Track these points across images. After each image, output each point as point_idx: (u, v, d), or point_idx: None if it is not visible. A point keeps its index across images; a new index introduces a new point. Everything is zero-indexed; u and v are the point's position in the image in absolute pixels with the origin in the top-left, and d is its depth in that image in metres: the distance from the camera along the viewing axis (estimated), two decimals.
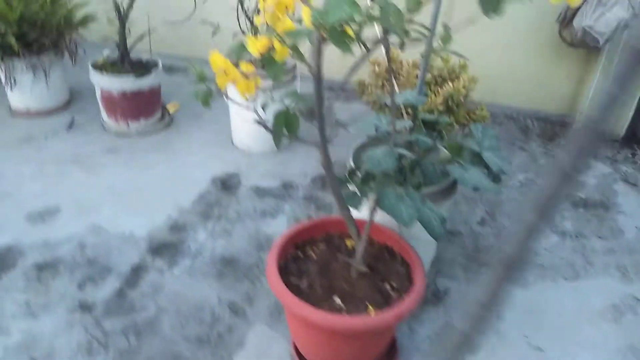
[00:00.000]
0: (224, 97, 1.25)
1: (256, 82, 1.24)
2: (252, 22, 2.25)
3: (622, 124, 2.67)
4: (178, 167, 2.31)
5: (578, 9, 2.33)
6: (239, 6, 2.21)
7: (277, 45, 0.91)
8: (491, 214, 2.11)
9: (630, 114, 2.63)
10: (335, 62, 1.67)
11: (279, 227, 1.95)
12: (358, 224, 1.32)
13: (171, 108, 1.20)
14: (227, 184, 2.20)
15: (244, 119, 2.31)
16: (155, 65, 2.49)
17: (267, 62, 0.92)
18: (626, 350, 1.55)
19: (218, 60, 1.22)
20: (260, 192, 2.17)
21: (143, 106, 2.47)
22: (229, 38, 1.92)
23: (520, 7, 2.63)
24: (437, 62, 2.15)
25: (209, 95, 1.16)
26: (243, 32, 2.27)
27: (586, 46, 2.40)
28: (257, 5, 2.20)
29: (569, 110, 2.87)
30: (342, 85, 1.13)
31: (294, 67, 2.29)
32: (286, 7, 0.95)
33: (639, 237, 2.03)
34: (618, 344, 1.56)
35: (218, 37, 2.23)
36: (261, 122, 1.24)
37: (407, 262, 1.38)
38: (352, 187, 1.31)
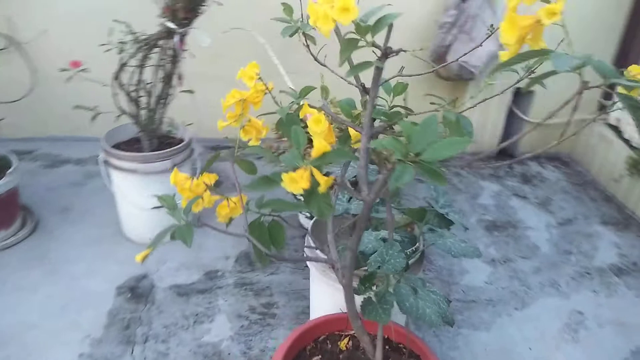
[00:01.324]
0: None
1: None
2: (135, 101, 1.92)
3: (494, 140, 2.91)
4: (67, 283, 1.86)
5: (449, 46, 2.46)
6: (116, 80, 1.88)
7: (318, 176, 0.72)
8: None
9: (501, 131, 2.88)
10: None
11: (223, 331, 1.67)
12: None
13: (140, 257, 0.92)
14: (138, 292, 1.84)
15: (137, 206, 1.97)
16: (8, 164, 1.99)
17: (308, 197, 0.72)
18: None
19: (177, 177, 0.97)
20: (183, 291, 1.85)
21: None
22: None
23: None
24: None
25: (190, 232, 0.90)
26: (124, 113, 1.93)
27: (461, 78, 2.56)
28: (140, 78, 1.89)
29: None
30: None
31: (189, 143, 2.02)
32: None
33: (552, 249, 2.19)
34: None
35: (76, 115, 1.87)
36: (247, 237, 1.02)
37: (416, 354, 1.26)
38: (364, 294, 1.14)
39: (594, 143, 2.79)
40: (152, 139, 2.02)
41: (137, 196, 1.96)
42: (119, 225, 2.14)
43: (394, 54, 0.72)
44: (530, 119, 2.85)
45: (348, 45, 0.68)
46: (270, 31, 2.52)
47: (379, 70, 0.74)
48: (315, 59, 0.93)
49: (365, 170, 0.75)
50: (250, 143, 1.04)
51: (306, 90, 1.13)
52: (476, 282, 1.98)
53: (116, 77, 1.88)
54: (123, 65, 1.86)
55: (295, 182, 0.71)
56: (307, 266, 1.66)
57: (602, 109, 2.76)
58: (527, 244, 2.22)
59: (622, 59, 2.73)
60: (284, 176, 0.72)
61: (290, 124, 1.01)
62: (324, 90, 0.90)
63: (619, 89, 0.66)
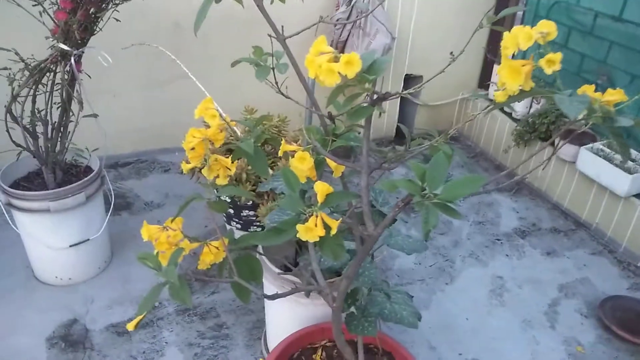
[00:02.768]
0: None
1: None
2: (32, 133, 1.73)
3: (392, 125, 3.08)
4: None
5: (346, 41, 2.54)
6: (8, 115, 1.67)
7: (328, 220, 0.72)
8: None
9: (397, 115, 3.05)
10: None
11: None
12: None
13: (132, 324, 0.83)
14: (72, 339, 1.69)
15: (52, 247, 1.80)
16: None
17: (321, 242, 0.73)
18: (525, 325, 1.84)
19: (151, 230, 0.93)
20: (121, 329, 1.74)
21: None
22: None
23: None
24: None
25: (186, 291, 0.86)
26: (22, 148, 1.73)
27: None
28: (35, 108, 1.70)
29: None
30: None
31: (100, 171, 1.87)
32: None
33: (463, 221, 2.40)
34: (517, 323, 1.85)
35: None
36: (231, 281, 0.99)
37: (387, 351, 1.32)
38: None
39: (479, 118, 3.07)
40: (55, 172, 1.84)
41: (50, 237, 1.78)
42: (30, 268, 1.94)
43: (393, 97, 0.74)
44: (420, 102, 3.05)
45: (336, 92, 0.69)
46: (175, 45, 2.41)
47: (370, 115, 0.75)
48: (280, 92, 0.92)
49: (369, 207, 0.78)
50: (218, 181, 1.00)
51: (262, 120, 1.12)
52: (406, 264, 2.11)
53: (9, 110, 1.68)
54: (15, 97, 1.66)
55: (310, 231, 0.71)
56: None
57: (484, 87, 3.05)
58: (441, 220, 2.40)
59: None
60: (300, 228, 0.71)
61: (259, 158, 1.00)
62: (310, 131, 0.90)
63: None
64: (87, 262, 1.91)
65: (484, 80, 3.11)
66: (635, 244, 2.16)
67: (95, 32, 1.73)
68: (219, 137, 0.99)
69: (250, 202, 1.92)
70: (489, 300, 1.94)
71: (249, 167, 1.86)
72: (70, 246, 1.81)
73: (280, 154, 0.94)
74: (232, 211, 2.03)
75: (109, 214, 1.91)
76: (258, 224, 2.05)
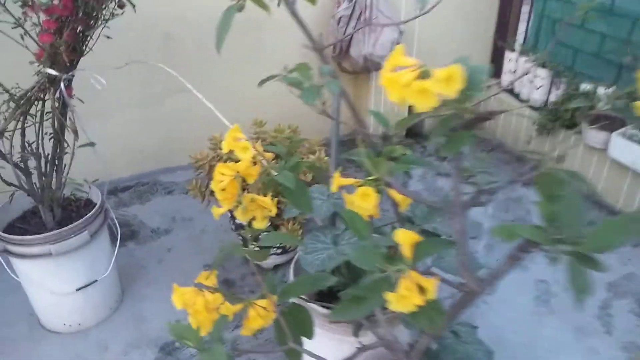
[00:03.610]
0: None
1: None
2: (23, 170, 1.56)
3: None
4: None
5: (350, 40, 2.38)
6: None
7: (423, 281, 0.57)
8: None
9: (406, 110, 2.89)
10: None
11: None
12: None
13: None
14: None
15: (57, 292, 1.63)
16: None
17: (419, 312, 0.57)
18: (579, 333, 1.70)
19: (185, 296, 0.77)
20: None
21: None
22: None
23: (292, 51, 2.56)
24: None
25: None
26: (15, 187, 1.56)
27: (368, 70, 2.49)
28: (25, 142, 1.53)
29: (353, 127, 2.98)
30: None
31: (102, 204, 1.70)
32: None
33: (493, 222, 2.25)
34: (571, 332, 1.70)
35: None
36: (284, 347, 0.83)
37: None
38: None
39: (493, 108, 2.92)
40: (53, 209, 1.67)
41: (54, 282, 1.62)
42: (35, 316, 1.77)
43: (497, 114, 0.59)
44: None
45: (447, 121, 0.53)
46: (167, 56, 2.24)
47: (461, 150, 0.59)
48: (326, 114, 0.76)
49: (467, 257, 0.62)
50: (257, 225, 0.84)
51: (297, 144, 0.96)
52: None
53: None
54: (2, 133, 1.49)
55: (405, 300, 0.55)
56: None
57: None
58: (469, 223, 2.25)
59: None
60: (391, 296, 0.55)
61: (302, 193, 0.84)
62: (363, 154, 0.74)
63: None
64: (97, 304, 1.75)
65: (496, 69, 2.95)
66: None
67: (85, 52, 1.56)
68: (252, 171, 0.83)
69: (269, 223, 1.75)
70: (536, 308, 1.80)
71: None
72: (78, 290, 1.65)
73: (333, 189, 0.77)
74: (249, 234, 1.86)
75: (116, 249, 1.74)
76: (277, 246, 1.90)
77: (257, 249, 0.94)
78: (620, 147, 2.15)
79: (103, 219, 1.69)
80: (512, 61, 2.73)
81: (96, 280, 1.67)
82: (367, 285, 0.59)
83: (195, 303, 0.74)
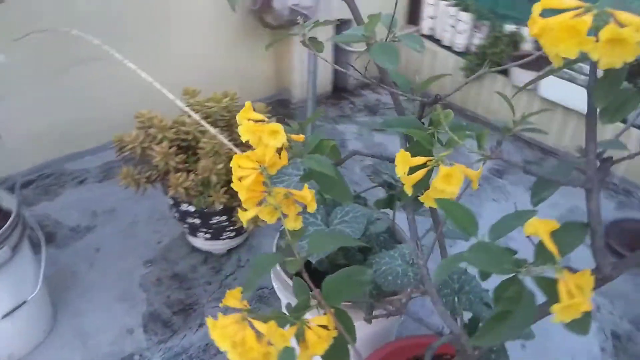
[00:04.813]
0: None
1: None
2: None
3: (328, 78, 2.79)
4: None
5: None
6: None
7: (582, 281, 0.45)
8: None
9: (331, 70, 2.76)
10: None
11: None
12: None
13: None
14: None
15: None
16: None
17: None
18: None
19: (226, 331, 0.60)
20: None
21: None
22: None
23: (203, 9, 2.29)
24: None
25: None
26: None
27: (294, 24, 2.30)
28: None
29: (279, 86, 2.80)
30: None
31: (19, 212, 1.39)
32: None
33: None
34: None
35: None
36: None
37: None
38: None
39: (416, 55, 2.87)
40: None
41: None
42: None
43: None
44: (354, 48, 2.78)
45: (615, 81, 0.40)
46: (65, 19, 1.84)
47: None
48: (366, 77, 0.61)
49: (601, 241, 0.52)
50: (290, 225, 0.67)
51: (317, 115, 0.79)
52: None
53: None
54: None
55: (572, 307, 0.43)
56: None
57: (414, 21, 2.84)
58: None
59: None
60: (556, 308, 0.43)
61: (340, 181, 0.69)
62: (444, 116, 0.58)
63: None
64: (29, 327, 1.46)
65: (414, 15, 2.89)
66: None
67: None
68: (276, 161, 0.66)
69: (222, 206, 1.56)
70: None
71: (219, 167, 1.49)
72: (4, 317, 1.35)
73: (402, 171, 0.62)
74: (198, 221, 1.66)
75: (43, 259, 1.45)
76: (231, 228, 1.71)
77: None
78: (549, 85, 2.21)
79: (22, 227, 1.38)
80: (433, 6, 2.68)
81: (25, 302, 1.39)
82: (509, 298, 0.46)
83: (246, 339, 0.57)
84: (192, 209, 1.61)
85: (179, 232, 1.90)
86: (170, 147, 1.53)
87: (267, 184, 0.64)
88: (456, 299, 0.87)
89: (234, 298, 0.67)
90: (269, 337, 0.59)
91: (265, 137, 0.61)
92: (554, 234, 0.48)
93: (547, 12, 0.44)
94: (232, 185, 0.64)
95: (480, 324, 0.84)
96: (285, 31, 2.46)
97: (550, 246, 0.47)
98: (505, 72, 2.43)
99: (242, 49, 2.51)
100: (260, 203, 0.67)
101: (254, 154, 0.65)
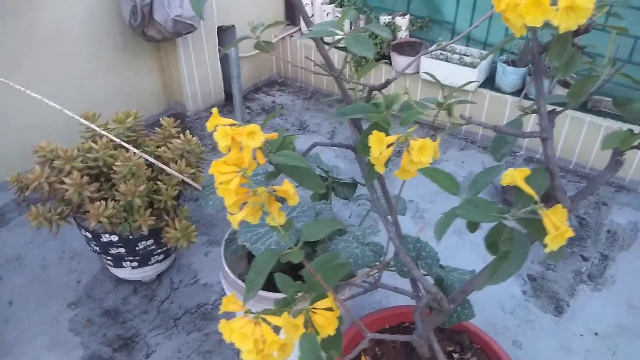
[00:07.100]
0: None
1: None
2: None
3: (219, 90, 2.77)
4: None
5: (151, 5, 2.09)
6: None
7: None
8: None
9: (221, 74, 2.74)
10: None
11: None
12: None
13: None
14: None
15: None
16: None
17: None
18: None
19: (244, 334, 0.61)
20: None
21: None
22: None
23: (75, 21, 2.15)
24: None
25: None
26: None
27: (179, 35, 2.25)
28: None
29: (170, 101, 2.71)
30: None
31: None
32: None
33: (348, 169, 2.33)
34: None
35: None
36: None
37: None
38: None
39: (297, 52, 2.95)
40: None
41: None
42: None
43: None
44: (242, 54, 2.78)
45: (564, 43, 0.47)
46: None
47: None
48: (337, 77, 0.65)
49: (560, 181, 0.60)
50: (272, 222, 0.68)
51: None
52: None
53: None
54: None
55: (559, 236, 0.51)
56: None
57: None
58: None
59: None
60: (547, 239, 0.50)
61: (309, 172, 0.72)
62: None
63: None
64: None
65: (291, 16, 2.97)
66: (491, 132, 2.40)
67: None
68: (253, 162, 0.67)
69: (147, 230, 1.50)
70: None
71: (140, 189, 1.43)
72: None
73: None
74: (123, 250, 1.57)
75: None
76: (159, 251, 1.65)
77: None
78: (428, 67, 2.40)
79: None
80: (309, 5, 2.77)
81: None
82: (504, 239, 0.53)
83: (265, 335, 0.58)
84: (114, 238, 1.53)
85: (98, 267, 1.78)
86: (82, 177, 1.44)
87: (250, 185, 0.65)
88: (417, 265, 0.94)
89: (232, 303, 0.67)
90: (284, 329, 0.61)
91: (244, 139, 0.63)
92: (529, 179, 0.56)
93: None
94: (222, 194, 0.64)
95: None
96: (170, 42, 2.40)
97: (528, 190, 0.55)
98: (389, 61, 2.59)
99: (125, 66, 2.40)
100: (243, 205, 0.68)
101: (229, 158, 0.66)
